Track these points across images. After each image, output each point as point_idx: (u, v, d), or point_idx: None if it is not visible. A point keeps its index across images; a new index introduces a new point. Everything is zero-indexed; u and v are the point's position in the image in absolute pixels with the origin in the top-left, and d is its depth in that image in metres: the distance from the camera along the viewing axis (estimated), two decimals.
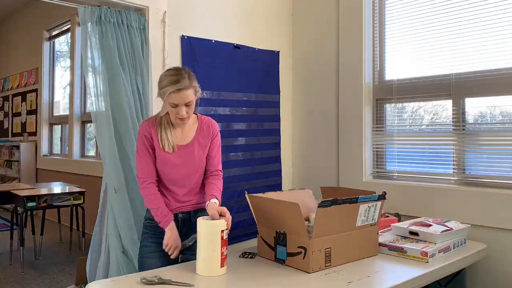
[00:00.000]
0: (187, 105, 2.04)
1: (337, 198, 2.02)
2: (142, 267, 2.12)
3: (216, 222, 1.92)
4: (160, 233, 2.16)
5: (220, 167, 2.27)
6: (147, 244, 2.18)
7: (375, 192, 2.20)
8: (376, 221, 2.21)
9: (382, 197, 2.19)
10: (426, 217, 2.67)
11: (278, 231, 2.11)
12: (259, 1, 3.52)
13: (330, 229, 2.03)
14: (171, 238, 2.08)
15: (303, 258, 1.99)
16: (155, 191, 2.14)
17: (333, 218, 2.02)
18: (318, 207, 1.95)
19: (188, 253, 2.19)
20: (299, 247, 2.00)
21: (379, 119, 3.28)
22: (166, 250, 2.08)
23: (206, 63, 3.12)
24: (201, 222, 1.93)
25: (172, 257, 2.09)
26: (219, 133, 2.26)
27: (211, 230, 1.90)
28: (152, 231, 2.19)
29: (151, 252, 2.16)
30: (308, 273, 1.96)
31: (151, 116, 2.26)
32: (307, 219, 2.26)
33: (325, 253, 2.02)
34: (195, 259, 2.19)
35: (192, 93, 2.05)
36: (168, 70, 2.10)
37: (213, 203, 2.07)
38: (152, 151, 2.14)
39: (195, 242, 2.21)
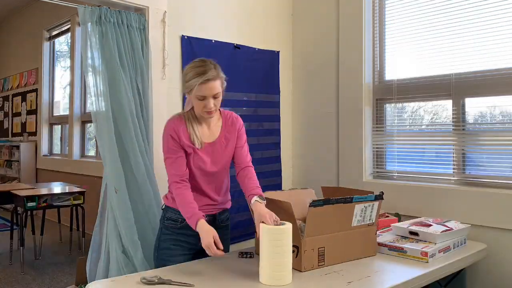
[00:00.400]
0: (214, 97, 1.98)
1: (330, 198, 2.02)
2: None
3: (283, 228, 1.80)
4: (184, 234, 2.12)
5: (250, 161, 2.20)
6: (170, 247, 2.11)
7: (372, 192, 2.20)
8: (373, 221, 2.21)
9: (379, 197, 2.18)
10: (426, 217, 2.67)
11: None
12: (259, 1, 3.52)
13: (323, 229, 2.03)
14: (208, 235, 1.87)
15: (296, 257, 1.99)
16: (185, 190, 2.02)
17: (326, 217, 2.02)
18: (309, 206, 1.95)
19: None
20: (293, 245, 2.00)
21: (379, 119, 3.28)
22: (211, 252, 1.85)
23: None
24: (266, 228, 1.80)
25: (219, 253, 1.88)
26: (243, 127, 2.23)
27: (278, 237, 1.79)
28: (175, 233, 2.13)
29: (175, 256, 2.10)
30: (300, 271, 1.96)
31: (175, 115, 2.15)
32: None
33: (318, 252, 2.02)
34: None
35: (219, 84, 1.99)
36: (193, 62, 2.04)
37: (257, 203, 1.98)
38: (183, 150, 2.06)
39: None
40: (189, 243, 2.15)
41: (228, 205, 2.29)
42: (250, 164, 2.20)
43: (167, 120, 2.14)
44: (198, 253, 2.19)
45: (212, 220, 2.16)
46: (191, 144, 2.05)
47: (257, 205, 1.97)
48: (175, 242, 2.13)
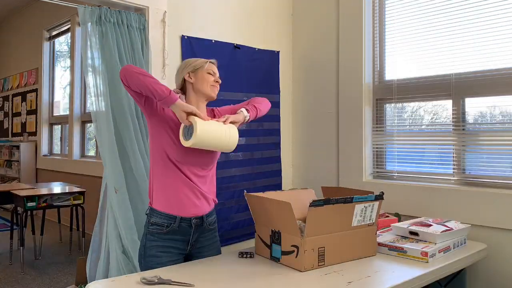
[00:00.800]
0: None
1: (330, 198, 2.02)
2: None
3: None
4: (171, 240, 2.05)
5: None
6: (157, 255, 2.02)
7: (372, 192, 2.20)
8: (373, 221, 2.21)
9: (379, 197, 2.18)
10: (426, 217, 2.67)
11: (273, 229, 2.11)
12: (259, 1, 3.52)
13: (323, 229, 2.03)
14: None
15: (296, 257, 1.99)
16: None
17: (326, 217, 2.02)
18: (310, 206, 1.95)
19: (196, 257, 2.16)
20: (292, 245, 2.01)
21: (379, 119, 3.28)
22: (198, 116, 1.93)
23: None
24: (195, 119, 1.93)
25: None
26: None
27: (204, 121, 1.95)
28: (161, 239, 2.04)
29: (163, 263, 2.02)
30: (300, 271, 1.96)
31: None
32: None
33: (318, 252, 2.02)
34: (202, 257, 2.16)
35: None
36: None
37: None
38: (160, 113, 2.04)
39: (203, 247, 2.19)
40: (178, 248, 2.08)
41: (213, 204, 2.20)
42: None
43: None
44: (187, 257, 2.15)
45: (200, 224, 2.10)
46: None
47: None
48: (162, 249, 2.03)
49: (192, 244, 2.13)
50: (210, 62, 2.18)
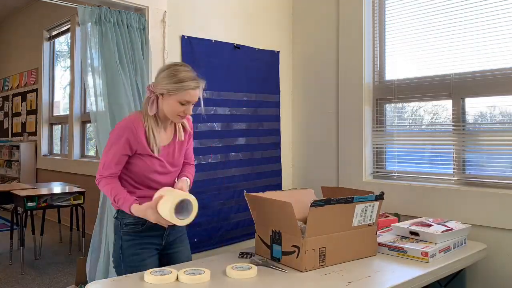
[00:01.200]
0: (194, 103, 1.98)
1: (331, 198, 2.02)
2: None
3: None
4: (148, 236, 2.04)
5: (193, 159, 2.27)
6: (137, 252, 2.01)
7: (372, 192, 2.20)
8: (374, 221, 2.21)
9: (379, 197, 2.18)
10: (426, 217, 2.67)
11: (273, 229, 2.11)
12: (259, 1, 3.52)
13: (324, 229, 2.03)
14: (151, 212, 1.86)
15: (297, 257, 1.99)
16: (117, 181, 1.96)
17: (327, 217, 2.02)
18: (311, 206, 1.95)
19: (172, 251, 2.14)
20: (293, 246, 2.01)
21: (379, 119, 3.28)
22: (164, 225, 1.88)
23: (206, 63, 3.12)
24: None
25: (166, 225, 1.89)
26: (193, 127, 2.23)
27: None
28: (138, 237, 2.02)
29: (144, 259, 2.01)
30: (301, 271, 1.96)
31: (136, 112, 2.05)
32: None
33: (319, 252, 2.02)
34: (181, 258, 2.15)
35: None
36: (178, 64, 2.02)
37: (184, 180, 2.07)
38: (130, 152, 1.96)
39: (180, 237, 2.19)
40: (154, 243, 2.07)
41: None
42: (193, 162, 2.26)
43: (129, 115, 2.04)
44: (164, 249, 2.13)
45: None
46: (149, 149, 1.98)
47: (181, 179, 2.08)
48: (140, 246, 2.01)
49: (166, 238, 2.10)
50: (191, 89, 1.93)
